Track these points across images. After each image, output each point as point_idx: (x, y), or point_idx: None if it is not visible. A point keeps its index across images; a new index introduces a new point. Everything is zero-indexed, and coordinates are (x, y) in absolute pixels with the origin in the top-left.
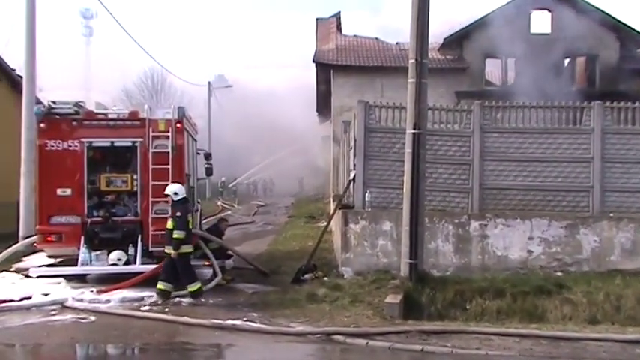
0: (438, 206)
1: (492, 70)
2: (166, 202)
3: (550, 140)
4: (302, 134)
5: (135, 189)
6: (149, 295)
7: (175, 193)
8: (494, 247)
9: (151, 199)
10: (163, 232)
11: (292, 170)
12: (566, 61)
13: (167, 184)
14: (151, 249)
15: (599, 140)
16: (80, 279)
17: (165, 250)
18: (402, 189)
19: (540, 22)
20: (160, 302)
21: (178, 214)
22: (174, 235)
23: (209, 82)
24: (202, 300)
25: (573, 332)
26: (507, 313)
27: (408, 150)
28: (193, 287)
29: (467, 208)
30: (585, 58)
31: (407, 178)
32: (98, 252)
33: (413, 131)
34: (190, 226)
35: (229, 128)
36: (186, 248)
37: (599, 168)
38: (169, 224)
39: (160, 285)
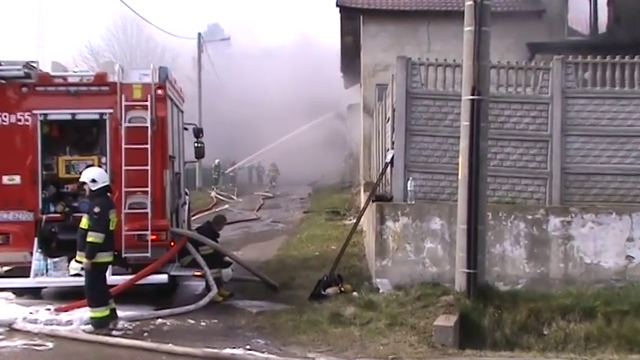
0: (504, 197)
1: (577, 14)
2: (135, 192)
3: None
4: (322, 102)
5: None
6: (122, 315)
7: (93, 181)
8: (580, 253)
9: (123, 190)
10: (140, 233)
11: (308, 151)
12: None
13: (145, 169)
14: (124, 254)
15: None
16: (33, 294)
17: (77, 258)
18: (457, 174)
19: None
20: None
21: (96, 209)
22: (89, 239)
23: (199, 35)
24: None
25: None
26: (599, 339)
27: (465, 122)
28: (98, 313)
29: (544, 200)
30: None
31: (463, 160)
32: (56, 259)
33: (471, 97)
34: (112, 227)
35: (226, 95)
36: (104, 257)
37: None
38: (84, 222)
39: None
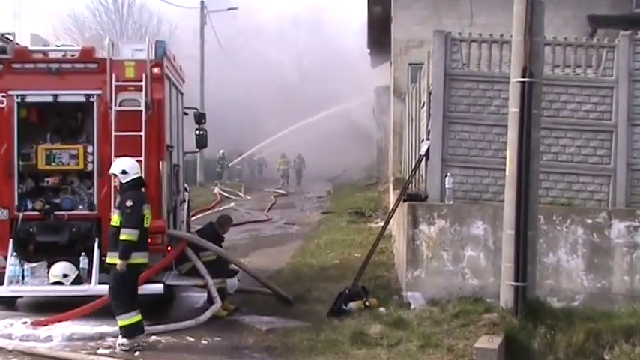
0: (559, 198)
1: None
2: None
3: None
4: (345, 84)
5: (89, 168)
6: (111, 330)
7: (124, 172)
8: None
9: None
10: None
11: (328, 141)
12: None
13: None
14: None
15: None
16: (7, 304)
17: (108, 260)
18: (503, 170)
19: None
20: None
21: (129, 203)
22: (122, 236)
23: (202, 3)
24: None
25: None
26: None
27: (514, 109)
28: (126, 320)
29: (606, 201)
30: None
31: (511, 154)
32: (34, 264)
33: (521, 79)
34: (147, 224)
35: (233, 75)
36: (138, 258)
37: None
38: (115, 219)
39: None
